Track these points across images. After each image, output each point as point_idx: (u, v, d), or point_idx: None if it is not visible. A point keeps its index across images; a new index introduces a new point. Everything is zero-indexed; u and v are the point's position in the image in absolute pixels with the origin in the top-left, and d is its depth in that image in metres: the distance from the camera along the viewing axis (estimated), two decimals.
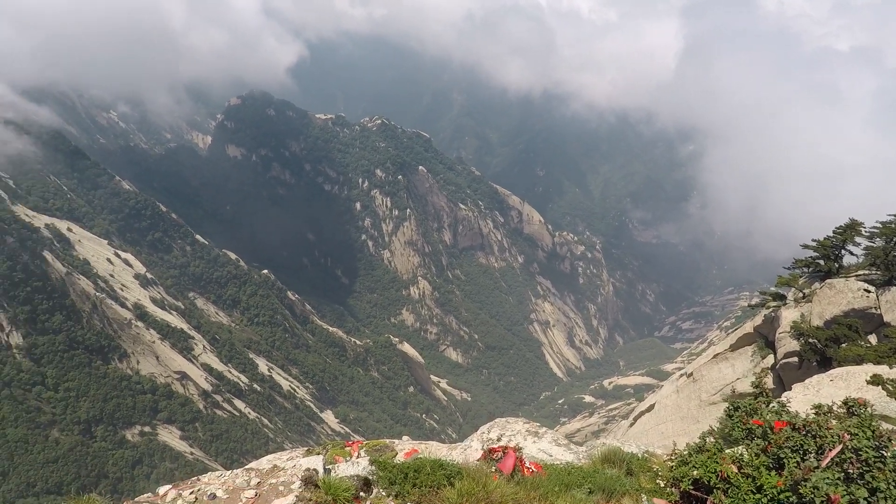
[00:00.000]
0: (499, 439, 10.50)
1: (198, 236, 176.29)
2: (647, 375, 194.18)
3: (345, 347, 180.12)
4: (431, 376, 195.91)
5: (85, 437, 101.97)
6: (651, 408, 46.22)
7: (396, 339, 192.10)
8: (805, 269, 35.36)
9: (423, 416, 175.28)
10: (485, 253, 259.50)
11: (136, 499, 7.26)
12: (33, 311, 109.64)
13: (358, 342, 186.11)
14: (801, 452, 5.67)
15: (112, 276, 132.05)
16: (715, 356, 40.07)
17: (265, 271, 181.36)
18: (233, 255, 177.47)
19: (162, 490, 7.27)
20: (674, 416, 40.89)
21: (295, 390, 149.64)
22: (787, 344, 31.34)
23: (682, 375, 45.61)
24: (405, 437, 21.26)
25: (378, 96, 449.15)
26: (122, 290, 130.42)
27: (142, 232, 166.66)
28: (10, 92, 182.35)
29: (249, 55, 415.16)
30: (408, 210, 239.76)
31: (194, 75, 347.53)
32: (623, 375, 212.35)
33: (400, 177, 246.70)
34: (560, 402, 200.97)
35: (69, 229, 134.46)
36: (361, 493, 6.65)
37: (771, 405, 7.41)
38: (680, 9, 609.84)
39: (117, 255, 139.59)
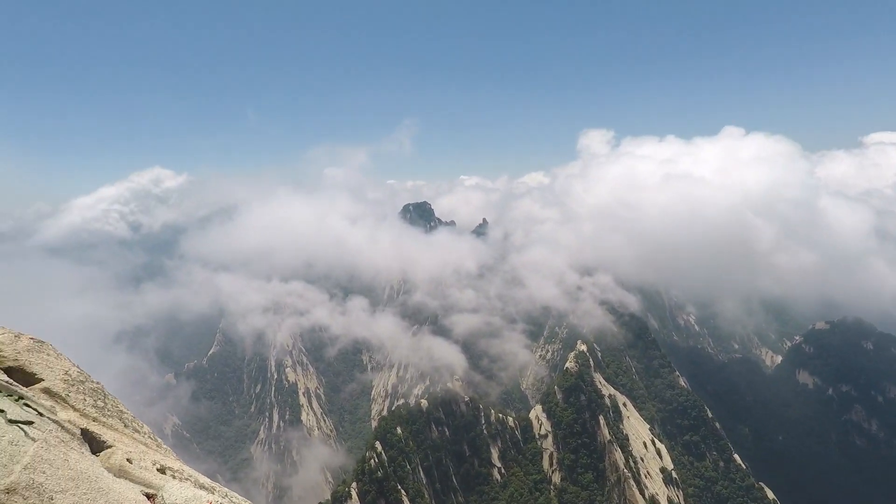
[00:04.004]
0: None
1: (735, 456, 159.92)
2: None
3: None
4: None
5: None
6: None
7: None
8: None
9: None
10: None
11: None
12: (576, 461, 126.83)
13: None
14: None
15: (642, 459, 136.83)
16: None
17: None
18: (770, 494, 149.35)
19: None
20: None
21: None
22: None
23: None
24: None
25: None
26: (646, 476, 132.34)
27: (681, 429, 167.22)
28: (612, 282, 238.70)
29: (846, 278, 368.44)
30: None
31: (773, 292, 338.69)
32: None
33: None
34: None
35: (624, 405, 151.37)
36: None
37: None
38: None
39: (653, 443, 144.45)
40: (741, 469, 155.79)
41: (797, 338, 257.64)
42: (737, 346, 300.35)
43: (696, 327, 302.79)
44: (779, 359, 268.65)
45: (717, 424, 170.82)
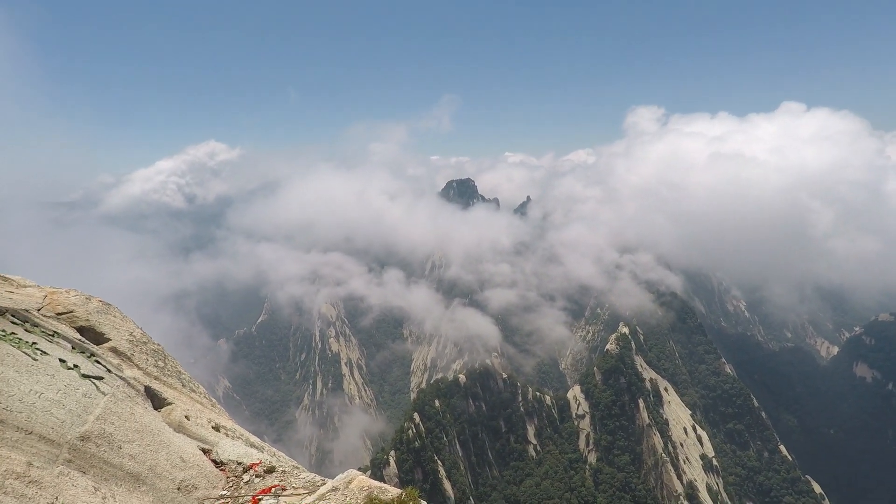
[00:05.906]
0: None
1: (781, 447, 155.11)
2: None
3: None
4: None
5: None
6: None
7: None
8: None
9: None
10: None
11: None
12: (612, 443, 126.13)
13: None
14: None
15: (682, 445, 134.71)
16: None
17: None
18: (817, 488, 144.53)
19: None
20: None
21: None
22: None
23: None
24: None
25: None
26: (684, 462, 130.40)
27: (724, 417, 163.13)
28: (653, 261, 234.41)
29: None
30: None
31: (830, 279, 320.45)
32: None
33: None
34: None
35: (665, 389, 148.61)
36: None
37: None
38: None
39: (694, 429, 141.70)
40: (787, 461, 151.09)
41: (857, 328, 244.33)
42: (789, 335, 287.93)
43: (747, 314, 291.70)
44: (835, 350, 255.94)
45: (763, 414, 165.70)
